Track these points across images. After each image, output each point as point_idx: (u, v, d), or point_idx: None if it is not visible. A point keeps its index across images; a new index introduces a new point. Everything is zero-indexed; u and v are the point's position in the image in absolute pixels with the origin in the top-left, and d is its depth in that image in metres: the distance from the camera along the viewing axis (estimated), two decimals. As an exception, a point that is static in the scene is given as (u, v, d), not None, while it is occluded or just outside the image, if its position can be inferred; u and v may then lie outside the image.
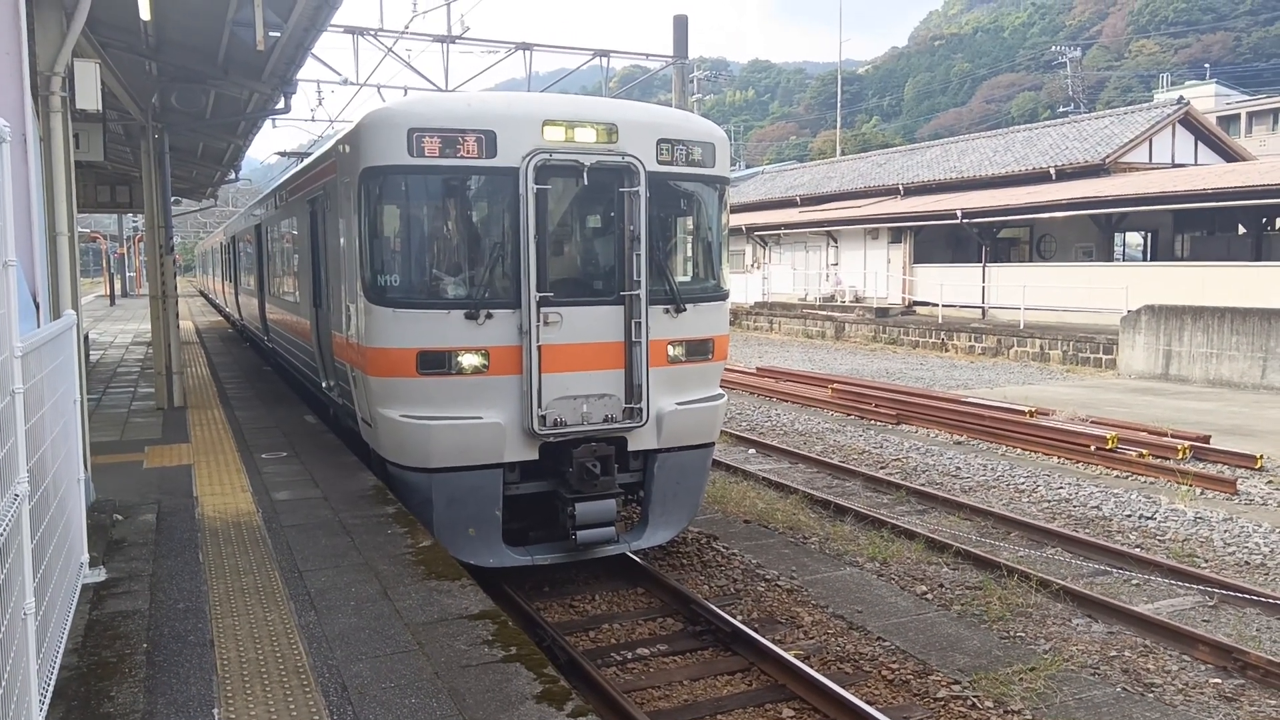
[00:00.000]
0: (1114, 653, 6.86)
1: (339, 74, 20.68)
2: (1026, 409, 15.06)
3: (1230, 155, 30.60)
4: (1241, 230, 26.52)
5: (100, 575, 5.68)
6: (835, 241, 35.64)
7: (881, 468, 12.84)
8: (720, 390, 8.58)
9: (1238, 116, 49.92)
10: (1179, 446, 12.45)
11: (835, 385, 18.52)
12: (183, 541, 6.43)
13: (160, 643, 4.74)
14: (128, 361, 18.66)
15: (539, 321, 7.33)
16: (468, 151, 7.20)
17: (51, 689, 3.96)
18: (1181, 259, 27.55)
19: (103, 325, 29.77)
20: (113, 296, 47.88)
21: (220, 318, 32.60)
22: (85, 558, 5.59)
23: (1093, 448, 12.81)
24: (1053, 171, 28.95)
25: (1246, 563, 8.86)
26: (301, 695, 4.20)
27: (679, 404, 8.02)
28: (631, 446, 7.90)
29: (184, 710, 4.05)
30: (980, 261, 28.70)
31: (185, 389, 12.82)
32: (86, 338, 13.64)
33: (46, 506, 4.12)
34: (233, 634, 4.86)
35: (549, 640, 6.73)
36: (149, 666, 4.47)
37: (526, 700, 4.20)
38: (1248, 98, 54.81)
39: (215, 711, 4.03)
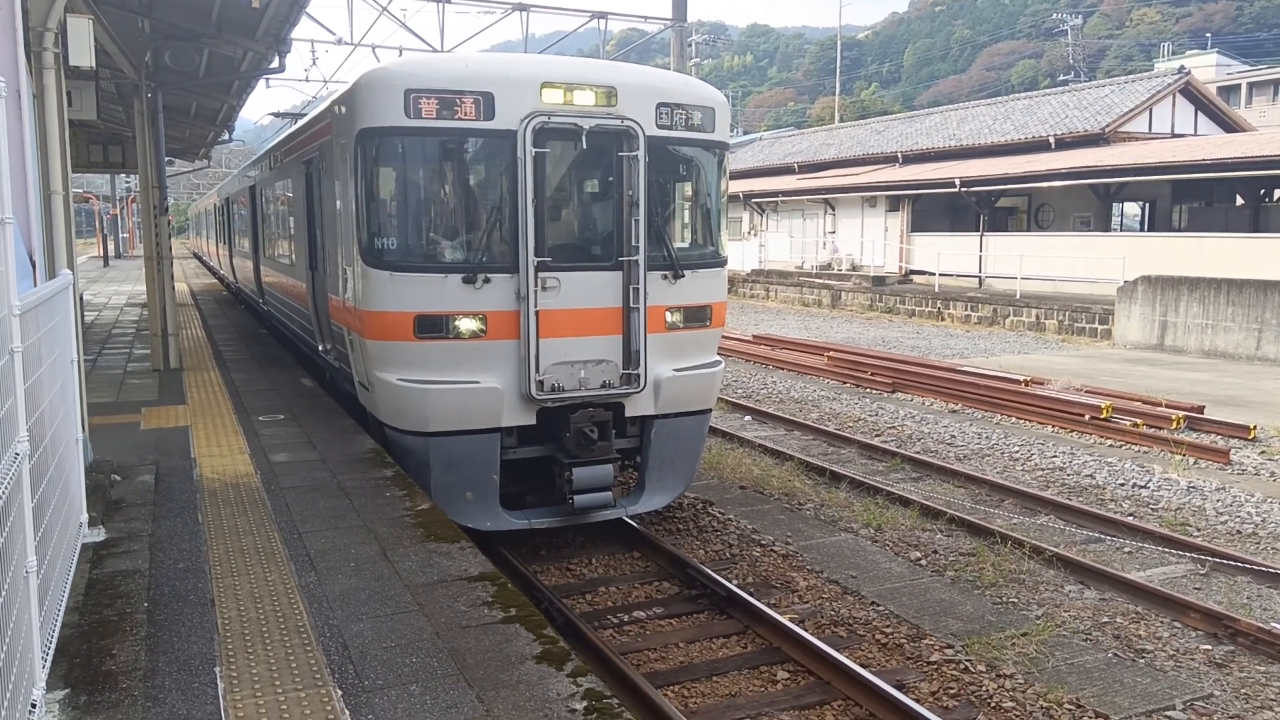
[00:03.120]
0: (1106, 619, 6.93)
1: (333, 33, 20.44)
2: (1022, 378, 15.10)
3: (1230, 126, 30.45)
4: (1239, 201, 26.45)
5: (100, 535, 5.70)
6: (833, 209, 35.50)
7: (877, 435, 12.89)
8: (718, 357, 8.58)
9: (1238, 87, 49.56)
10: (1173, 416, 12.51)
11: (831, 353, 18.54)
12: (181, 502, 6.45)
13: (161, 602, 4.76)
14: (123, 323, 18.60)
15: (537, 286, 7.30)
16: (465, 113, 7.12)
17: (54, 647, 3.98)
18: (1179, 229, 27.49)
19: (97, 286, 29.62)
20: (106, 258, 47.59)
21: (215, 280, 32.45)
22: (84, 517, 5.61)
23: (1087, 417, 12.86)
24: (1052, 140, 28.79)
25: (1239, 532, 8.94)
26: (303, 654, 4.22)
27: (676, 370, 8.02)
28: (629, 412, 7.90)
29: (186, 668, 4.08)
30: (978, 230, 28.62)
31: (181, 351, 12.79)
32: (81, 299, 13.58)
33: (46, 466, 4.12)
34: (233, 593, 4.88)
35: (546, 603, 6.78)
36: (150, 625, 4.49)
37: (526, 661, 4.24)
38: (1249, 68, 54.44)
39: (217, 669, 4.06)
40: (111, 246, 50.17)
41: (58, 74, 7.10)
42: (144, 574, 5.14)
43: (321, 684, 3.96)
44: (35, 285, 5.70)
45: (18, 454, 3.26)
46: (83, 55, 7.54)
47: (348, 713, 3.75)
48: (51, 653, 3.91)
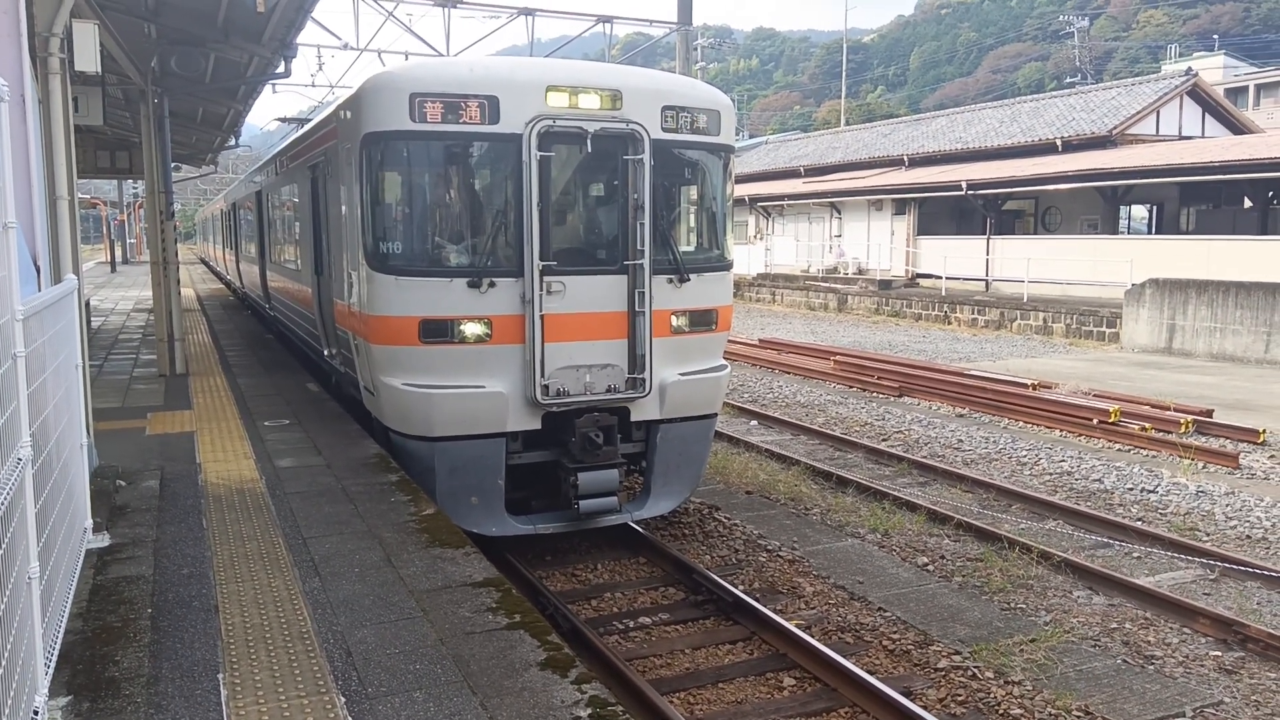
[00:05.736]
0: (1115, 625, 6.88)
1: (339, 38, 20.51)
2: (1029, 382, 15.04)
3: (1238, 128, 30.35)
4: (1248, 204, 26.30)
5: (104, 540, 5.69)
6: (839, 213, 35.46)
7: (883, 440, 12.84)
8: (723, 361, 8.55)
9: (1246, 89, 49.43)
10: (1182, 420, 12.44)
11: (837, 357, 18.49)
12: (186, 507, 6.44)
13: (165, 608, 4.75)
14: (129, 328, 18.64)
15: (542, 290, 7.29)
16: (470, 117, 7.12)
17: (56, 653, 3.97)
18: (1187, 232, 27.39)
19: (104, 292, 29.70)
20: (113, 263, 47.70)
21: (221, 285, 32.52)
22: (89, 523, 5.60)
23: (1095, 421, 12.80)
24: (1059, 143, 28.73)
25: (1248, 536, 8.88)
26: (306, 660, 4.21)
27: (682, 374, 8.00)
28: (634, 417, 7.88)
29: (189, 674, 4.06)
30: (985, 234, 28.55)
31: (187, 356, 12.80)
32: (88, 304, 13.59)
33: (49, 471, 4.11)
34: (237, 599, 4.86)
35: (551, 608, 6.75)
36: (154, 631, 4.48)
37: (531, 667, 4.21)
38: (1256, 70, 54.30)
39: (220, 676, 4.04)
40: (119, 252, 50.30)
41: (63, 79, 7.11)
42: (148, 580, 5.13)
43: (325, 691, 3.94)
44: (40, 290, 5.70)
45: (20, 459, 3.25)
46: (88, 61, 7.56)
47: (351, 720, 3.73)
48: (54, 659, 3.90)
